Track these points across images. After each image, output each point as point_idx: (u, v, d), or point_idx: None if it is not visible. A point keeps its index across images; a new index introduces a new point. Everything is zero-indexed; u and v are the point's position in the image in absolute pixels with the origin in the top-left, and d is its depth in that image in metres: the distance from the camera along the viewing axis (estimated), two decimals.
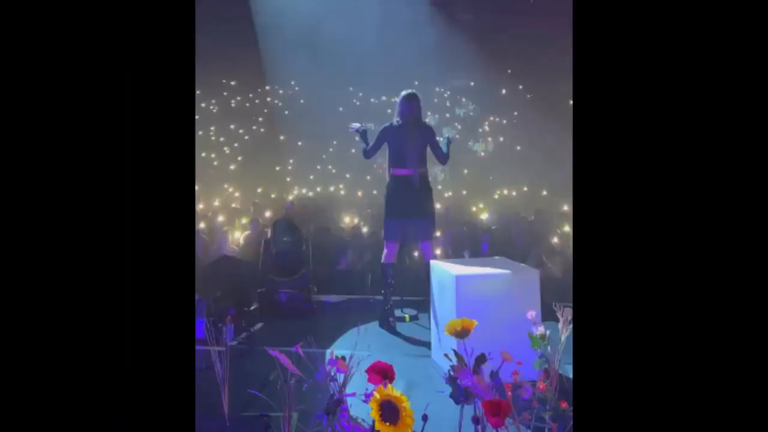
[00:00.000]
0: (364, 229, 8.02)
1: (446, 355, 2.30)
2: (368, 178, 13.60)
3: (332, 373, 2.16)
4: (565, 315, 2.63)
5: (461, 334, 2.47)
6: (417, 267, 5.80)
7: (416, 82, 21.80)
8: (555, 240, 7.57)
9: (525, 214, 9.40)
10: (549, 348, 2.54)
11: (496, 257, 3.76)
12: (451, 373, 2.25)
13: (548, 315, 3.68)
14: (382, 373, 2.21)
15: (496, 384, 2.13)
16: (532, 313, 2.69)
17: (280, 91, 19.73)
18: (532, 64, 19.75)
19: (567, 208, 10.81)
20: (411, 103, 4.22)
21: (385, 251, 4.25)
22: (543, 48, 19.33)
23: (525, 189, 13.55)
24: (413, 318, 4.43)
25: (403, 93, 4.31)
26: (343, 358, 2.22)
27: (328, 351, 2.61)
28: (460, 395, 2.17)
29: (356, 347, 2.38)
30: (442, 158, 4.31)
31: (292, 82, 20.08)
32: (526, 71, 20.00)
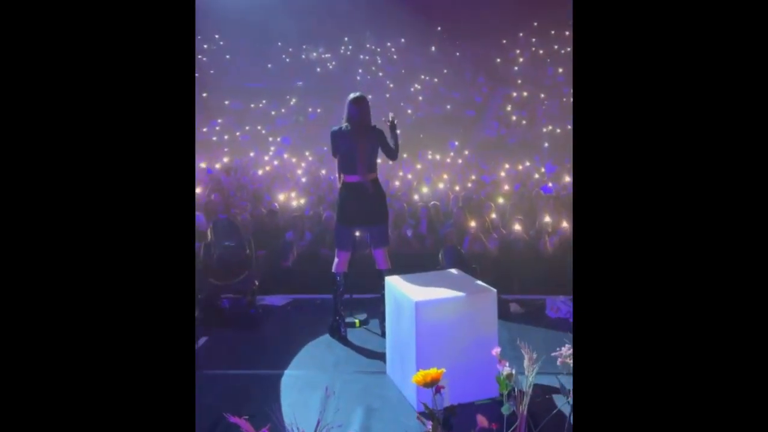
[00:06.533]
0: (302, 203, 7.80)
1: (419, 419, 2.25)
2: (307, 154, 13.12)
3: None
4: (530, 353, 2.61)
5: (430, 384, 2.42)
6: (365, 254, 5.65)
7: (346, 38, 21.22)
8: (492, 216, 7.65)
9: (460, 187, 9.42)
10: (515, 389, 2.52)
11: (452, 271, 3.71)
12: None
13: (503, 313, 3.68)
14: None
15: None
16: (497, 350, 2.67)
17: (204, 46, 18.57)
18: (464, 22, 19.61)
19: (504, 174, 10.96)
20: (359, 107, 3.96)
21: (336, 259, 4.11)
22: (474, 5, 19.14)
23: (452, 154, 13.62)
24: (363, 323, 4.35)
25: (351, 96, 4.03)
26: None
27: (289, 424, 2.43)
28: None
29: (324, 411, 2.26)
30: (391, 154, 4.11)
31: (216, 36, 18.92)
32: (456, 28, 19.88)
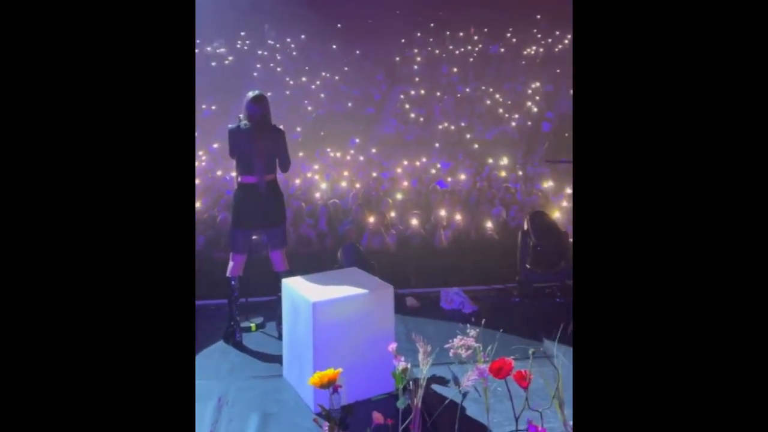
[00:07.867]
0: (196, 205, 7.48)
1: (315, 421, 2.23)
2: (200, 153, 12.54)
3: None
4: (424, 347, 2.67)
5: (327, 385, 2.41)
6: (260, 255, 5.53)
7: (243, 33, 20.65)
8: (392, 215, 7.75)
9: (361, 184, 9.45)
10: (411, 383, 2.57)
11: (350, 269, 3.71)
12: None
13: (399, 308, 3.70)
14: None
15: None
16: (393, 346, 2.70)
17: None
18: (363, 20, 19.70)
19: (401, 170, 11.12)
20: (259, 105, 3.83)
21: (231, 263, 3.96)
22: (373, 4, 19.29)
23: (352, 151, 13.66)
24: (260, 326, 4.24)
25: (250, 94, 3.89)
26: None
27: None
28: None
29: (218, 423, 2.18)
30: (284, 164, 3.97)
31: None
32: (356, 26, 19.95)
